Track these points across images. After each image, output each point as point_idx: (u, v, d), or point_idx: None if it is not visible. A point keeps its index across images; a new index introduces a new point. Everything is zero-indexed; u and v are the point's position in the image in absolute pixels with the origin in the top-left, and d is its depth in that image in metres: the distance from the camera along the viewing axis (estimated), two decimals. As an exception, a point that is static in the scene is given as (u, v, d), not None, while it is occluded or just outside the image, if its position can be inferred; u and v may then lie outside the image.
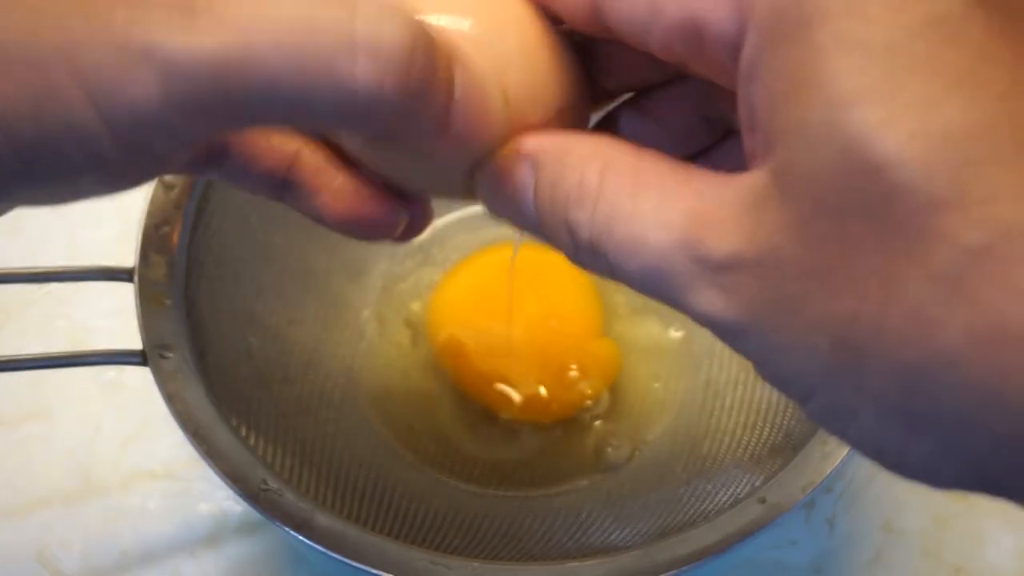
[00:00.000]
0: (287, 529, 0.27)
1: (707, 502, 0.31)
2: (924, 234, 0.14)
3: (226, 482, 0.28)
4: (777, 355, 0.16)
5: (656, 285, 0.17)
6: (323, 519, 0.28)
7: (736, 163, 0.18)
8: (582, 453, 0.37)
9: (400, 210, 0.22)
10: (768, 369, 0.16)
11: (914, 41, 0.14)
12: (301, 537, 0.27)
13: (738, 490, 0.31)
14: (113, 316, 0.42)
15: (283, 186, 0.22)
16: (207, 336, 0.33)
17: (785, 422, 0.33)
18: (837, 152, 0.14)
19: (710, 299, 0.16)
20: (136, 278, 0.32)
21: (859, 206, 0.14)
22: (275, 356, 0.36)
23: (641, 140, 0.19)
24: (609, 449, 0.37)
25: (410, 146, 0.19)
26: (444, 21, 0.19)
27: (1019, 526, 0.38)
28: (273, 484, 0.28)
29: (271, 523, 0.28)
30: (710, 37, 0.17)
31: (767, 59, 0.15)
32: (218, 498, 0.38)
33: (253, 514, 0.37)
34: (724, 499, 0.31)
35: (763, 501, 0.28)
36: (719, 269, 0.16)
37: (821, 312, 0.15)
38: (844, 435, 0.16)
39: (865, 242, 0.14)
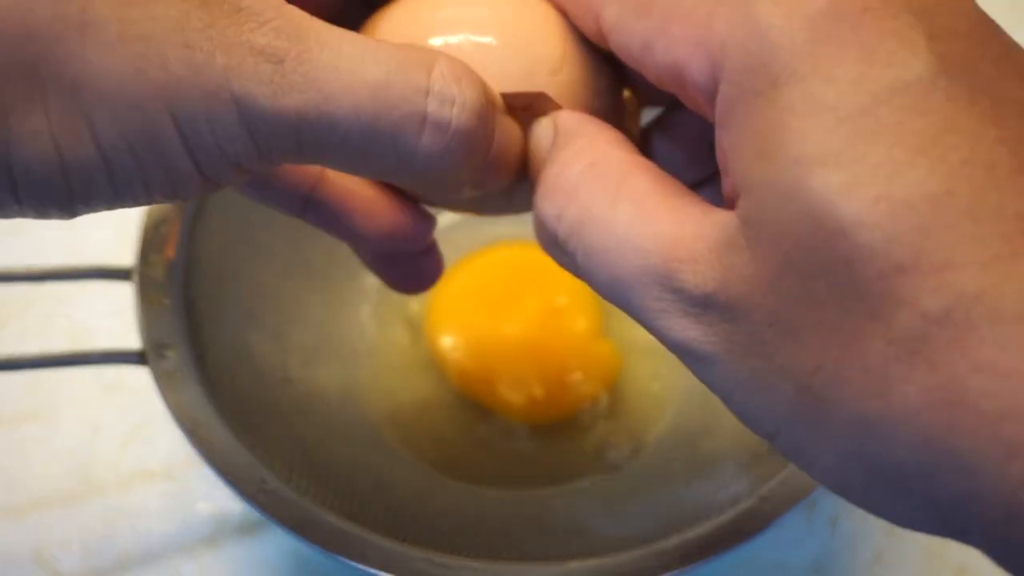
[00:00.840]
0: (287, 529, 0.27)
1: (707, 502, 0.31)
2: (885, 298, 0.14)
3: (226, 482, 0.28)
4: (744, 393, 0.16)
5: (625, 301, 0.17)
6: (323, 519, 0.28)
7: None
8: (582, 453, 0.37)
9: (430, 217, 0.23)
10: (734, 404, 0.17)
11: (879, 107, 0.14)
12: (301, 537, 0.27)
13: (738, 490, 0.31)
14: (113, 316, 0.42)
15: (305, 202, 0.23)
16: (206, 336, 0.33)
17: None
18: (801, 212, 0.14)
19: (684, 327, 0.16)
20: (135, 278, 0.32)
21: (822, 266, 0.14)
22: (275, 356, 0.36)
23: (662, 158, 0.20)
24: (609, 449, 0.37)
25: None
26: (479, 34, 0.20)
27: (1021, 526, 0.38)
28: (272, 484, 0.28)
29: (271, 523, 0.28)
30: (690, 83, 0.17)
31: (737, 112, 0.16)
32: (218, 498, 0.38)
33: (253, 514, 0.37)
34: (724, 499, 0.31)
35: (764, 501, 0.28)
36: (694, 304, 0.16)
37: (787, 360, 0.15)
38: (810, 472, 0.16)
39: (828, 301, 0.15)
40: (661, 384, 0.39)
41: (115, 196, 0.17)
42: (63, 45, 0.15)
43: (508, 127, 0.20)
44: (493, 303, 0.40)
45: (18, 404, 0.40)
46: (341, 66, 0.17)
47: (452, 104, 0.18)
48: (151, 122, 0.16)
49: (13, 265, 0.32)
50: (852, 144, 0.14)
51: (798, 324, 0.15)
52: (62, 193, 0.17)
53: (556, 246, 0.18)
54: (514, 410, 0.38)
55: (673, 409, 0.38)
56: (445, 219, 0.43)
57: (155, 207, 0.33)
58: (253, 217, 0.37)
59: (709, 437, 0.36)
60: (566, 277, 0.19)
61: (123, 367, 0.31)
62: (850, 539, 0.37)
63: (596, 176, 0.18)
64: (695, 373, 0.17)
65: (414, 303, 0.41)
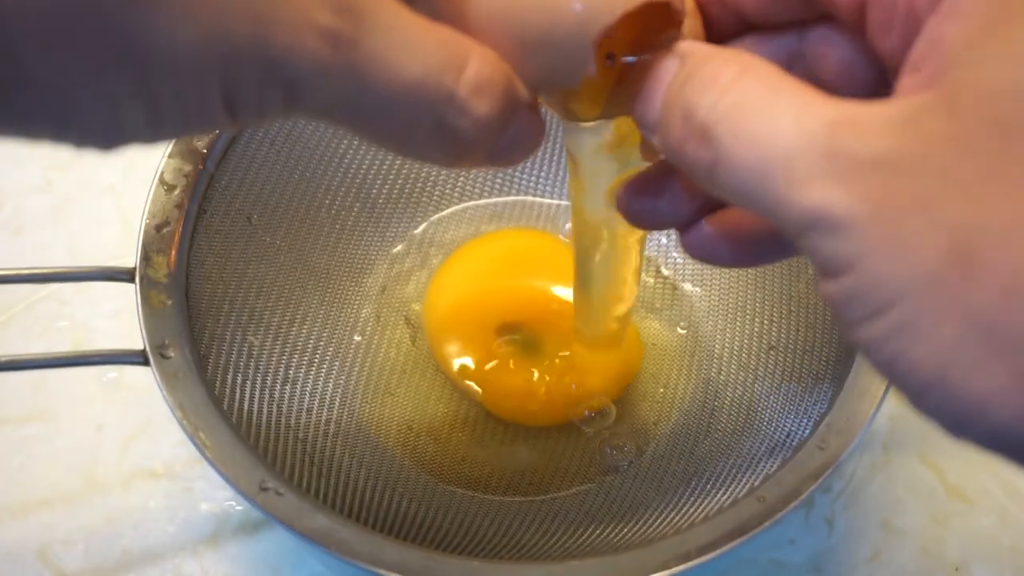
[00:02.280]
0: (287, 528, 0.28)
1: (707, 502, 0.31)
2: None
3: (227, 481, 0.28)
4: (880, 255, 0.16)
5: (761, 178, 0.17)
6: (323, 518, 0.28)
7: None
8: (585, 456, 0.37)
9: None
10: (858, 270, 0.16)
11: None
12: (301, 536, 0.27)
13: (737, 490, 0.31)
14: (115, 316, 0.42)
15: None
16: (208, 336, 0.33)
17: (784, 422, 0.33)
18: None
19: (825, 192, 0.16)
20: (137, 278, 0.32)
21: None
22: (276, 356, 0.36)
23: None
24: (612, 451, 0.37)
25: None
26: None
27: (1017, 525, 0.38)
28: (273, 484, 0.28)
29: (271, 522, 0.28)
30: None
31: (978, 7, 0.16)
32: (219, 497, 0.38)
33: (254, 513, 0.37)
34: (724, 499, 0.31)
35: (762, 500, 0.28)
36: (853, 166, 0.16)
37: (951, 215, 0.15)
38: (905, 355, 0.16)
39: (1018, 165, 0.15)
40: (663, 384, 0.39)
41: (152, 137, 0.18)
42: (135, 10, 0.16)
43: (527, 122, 0.21)
44: (490, 295, 0.40)
45: (21, 404, 0.40)
46: (388, 58, 0.18)
47: (468, 116, 0.19)
48: (205, 87, 0.17)
49: (16, 266, 0.32)
50: None
51: (979, 180, 0.15)
52: (107, 132, 0.17)
53: (697, 136, 0.18)
54: (520, 414, 0.38)
55: (674, 410, 0.38)
56: (440, 214, 0.43)
57: (156, 207, 0.33)
58: (255, 218, 0.37)
59: (709, 437, 0.36)
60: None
61: (125, 367, 0.32)
62: (847, 538, 0.37)
63: (753, 75, 0.18)
64: (816, 244, 0.17)
65: (414, 303, 0.41)
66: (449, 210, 0.43)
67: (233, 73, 0.17)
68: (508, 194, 0.44)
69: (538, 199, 0.44)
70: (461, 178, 0.43)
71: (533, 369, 0.38)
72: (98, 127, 0.17)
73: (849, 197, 0.16)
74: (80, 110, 0.16)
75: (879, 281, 0.16)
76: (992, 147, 0.15)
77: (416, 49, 0.18)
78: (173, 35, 0.16)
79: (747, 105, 0.18)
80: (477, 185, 0.43)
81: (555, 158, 0.43)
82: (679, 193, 0.23)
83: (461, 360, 0.38)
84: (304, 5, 0.17)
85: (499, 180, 0.44)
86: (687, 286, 0.41)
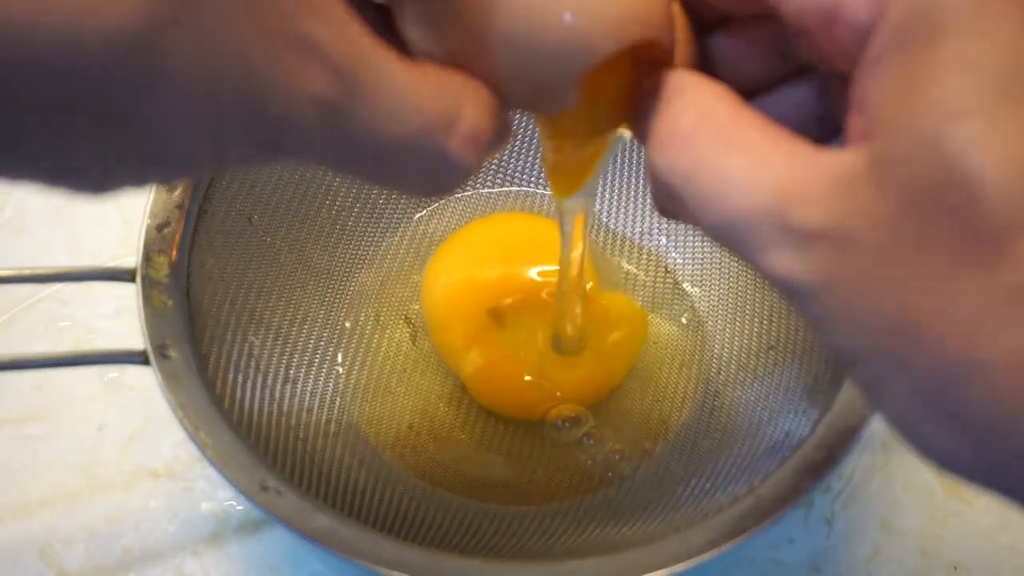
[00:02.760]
0: (288, 527, 0.28)
1: (707, 502, 0.31)
2: (996, 252, 0.15)
3: (227, 481, 0.28)
4: (836, 323, 0.17)
5: (731, 240, 0.18)
6: (323, 518, 0.28)
7: (800, 104, 0.21)
8: (585, 472, 0.37)
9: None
10: (823, 333, 0.17)
11: None
12: (301, 536, 0.27)
13: (737, 489, 0.31)
14: (116, 316, 0.42)
15: None
16: (209, 336, 0.33)
17: (783, 421, 0.33)
18: (935, 158, 0.15)
19: (786, 262, 0.17)
20: (138, 278, 0.32)
21: (945, 212, 0.15)
22: (276, 356, 0.36)
23: (723, 57, 0.21)
24: (616, 457, 0.36)
25: None
26: None
27: (1016, 525, 0.38)
28: (274, 483, 0.28)
29: (272, 522, 0.28)
30: (844, 20, 0.18)
31: (892, 56, 0.16)
32: (220, 497, 0.38)
33: (254, 513, 0.37)
34: (723, 499, 0.31)
35: (762, 500, 0.29)
36: (802, 238, 0.17)
37: (886, 297, 0.16)
38: (880, 407, 0.17)
39: (942, 245, 0.15)
40: (665, 388, 0.39)
41: (139, 185, 0.18)
42: (137, 89, 0.15)
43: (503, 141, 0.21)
44: (489, 277, 0.40)
45: (23, 404, 0.40)
46: (382, 120, 0.18)
47: (458, 168, 0.19)
48: (196, 147, 0.17)
49: (19, 266, 0.32)
50: (996, 104, 0.15)
51: (906, 264, 0.16)
52: (98, 186, 0.17)
53: (668, 196, 0.19)
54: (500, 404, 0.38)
55: (677, 412, 0.38)
56: (431, 208, 0.43)
57: (157, 207, 0.33)
58: (255, 218, 0.37)
59: (709, 437, 0.36)
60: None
61: (126, 367, 0.32)
62: (846, 537, 0.37)
63: (706, 129, 0.19)
64: (794, 306, 0.18)
65: (414, 302, 0.41)
66: (449, 210, 0.43)
67: (225, 136, 0.17)
68: (508, 185, 0.44)
69: (539, 191, 0.44)
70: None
71: (519, 361, 0.38)
72: (90, 181, 0.17)
73: (803, 268, 0.17)
74: (74, 168, 0.16)
75: (841, 343, 0.17)
76: (912, 232, 0.16)
77: (410, 109, 0.18)
78: (169, 109, 0.16)
79: (702, 169, 0.18)
80: (477, 185, 0.44)
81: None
82: None
83: (452, 341, 0.38)
84: (300, 75, 0.16)
85: (499, 177, 0.44)
86: (687, 286, 0.41)
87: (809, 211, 0.17)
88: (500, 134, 0.21)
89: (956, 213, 0.15)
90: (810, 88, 0.22)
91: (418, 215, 0.43)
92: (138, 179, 0.17)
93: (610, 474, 0.36)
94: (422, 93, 0.18)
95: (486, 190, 0.44)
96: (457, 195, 0.43)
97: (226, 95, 0.16)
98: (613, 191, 0.43)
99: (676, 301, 0.41)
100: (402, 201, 0.43)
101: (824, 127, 0.22)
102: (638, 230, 0.43)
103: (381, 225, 0.42)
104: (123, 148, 0.16)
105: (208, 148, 0.17)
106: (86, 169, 0.16)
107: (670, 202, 0.19)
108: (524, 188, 0.44)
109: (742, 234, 0.18)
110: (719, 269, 0.41)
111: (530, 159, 0.44)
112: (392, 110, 0.18)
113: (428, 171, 0.19)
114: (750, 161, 0.18)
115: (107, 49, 0.14)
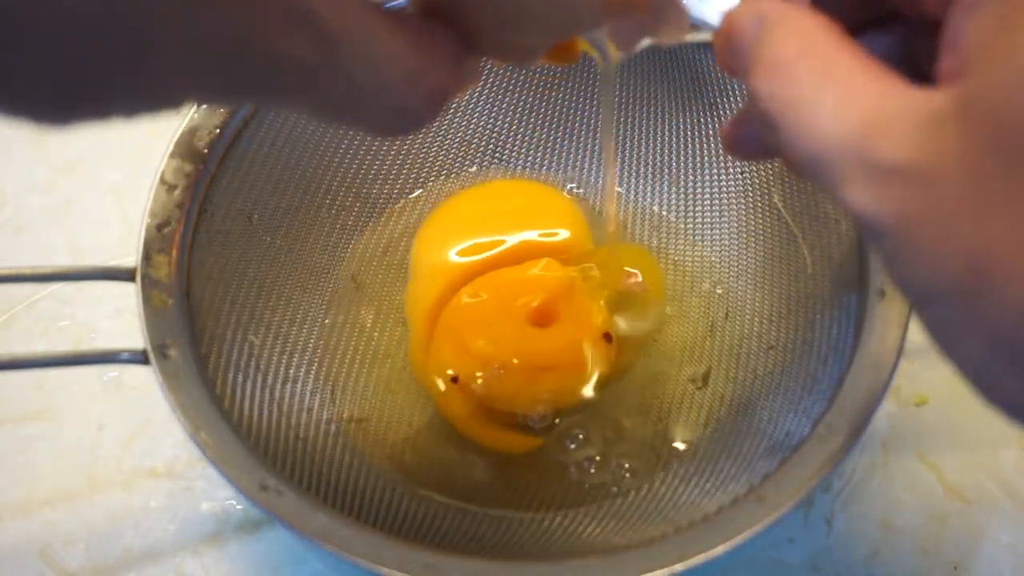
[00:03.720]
0: (288, 527, 0.28)
1: (707, 502, 0.31)
2: None
3: (227, 481, 0.28)
4: (909, 261, 0.17)
5: (816, 171, 0.18)
6: (323, 518, 0.28)
7: (883, 50, 0.21)
8: (588, 476, 0.36)
9: None
10: (896, 271, 0.17)
11: None
12: (301, 535, 0.28)
13: (738, 489, 0.31)
14: (116, 316, 0.42)
15: None
16: (209, 336, 0.33)
17: (783, 421, 0.33)
18: None
19: (864, 197, 0.17)
20: (138, 278, 0.32)
21: None
22: (276, 355, 0.36)
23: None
24: (618, 468, 0.36)
25: None
26: None
27: (1017, 524, 0.38)
28: (274, 483, 0.28)
29: (272, 521, 0.28)
30: None
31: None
32: (220, 497, 0.38)
33: (254, 512, 0.37)
34: (724, 499, 0.31)
35: (762, 500, 0.29)
36: (884, 173, 0.17)
37: (964, 235, 0.16)
38: (948, 351, 0.17)
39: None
40: (665, 388, 0.38)
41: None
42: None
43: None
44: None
45: (23, 403, 0.40)
46: (355, 77, 0.19)
47: (419, 119, 0.22)
48: (176, 83, 0.17)
49: (18, 266, 0.32)
50: None
51: (988, 204, 0.16)
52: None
53: (763, 121, 0.20)
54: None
55: (677, 412, 0.38)
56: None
57: (157, 207, 0.33)
58: (255, 218, 0.37)
59: (709, 436, 0.36)
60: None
61: (126, 367, 0.32)
62: (846, 537, 0.37)
63: (807, 58, 0.19)
64: (870, 241, 0.18)
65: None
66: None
67: (204, 81, 0.17)
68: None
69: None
70: (463, 177, 0.43)
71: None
72: (53, 110, 0.17)
73: (880, 204, 0.17)
74: (44, 94, 0.16)
75: (912, 281, 0.17)
76: (998, 170, 0.15)
77: (383, 68, 0.20)
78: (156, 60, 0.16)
79: (799, 99, 0.18)
80: (477, 184, 0.44)
81: (555, 143, 0.43)
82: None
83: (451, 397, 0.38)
84: (283, 39, 0.17)
85: (500, 173, 0.44)
86: (687, 285, 0.41)
87: (893, 146, 0.17)
88: (466, 81, 0.23)
89: None
90: (893, 35, 0.22)
91: (420, 220, 0.43)
92: (102, 111, 0.17)
93: (615, 488, 0.36)
94: (397, 54, 0.20)
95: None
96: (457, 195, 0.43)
97: (214, 46, 0.17)
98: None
99: (676, 301, 0.41)
100: (402, 201, 0.43)
101: (906, 75, 0.22)
102: (638, 230, 0.43)
103: (381, 225, 0.42)
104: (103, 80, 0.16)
105: (186, 92, 0.17)
106: (58, 95, 0.16)
107: (768, 131, 0.19)
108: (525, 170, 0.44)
109: (827, 166, 0.18)
110: (718, 268, 0.41)
111: (533, 156, 0.44)
112: (368, 74, 0.19)
113: (389, 119, 0.21)
114: (844, 92, 0.18)
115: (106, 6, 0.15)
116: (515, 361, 0.36)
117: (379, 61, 0.20)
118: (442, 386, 0.37)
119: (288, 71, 0.18)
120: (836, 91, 0.18)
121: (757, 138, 0.26)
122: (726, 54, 0.22)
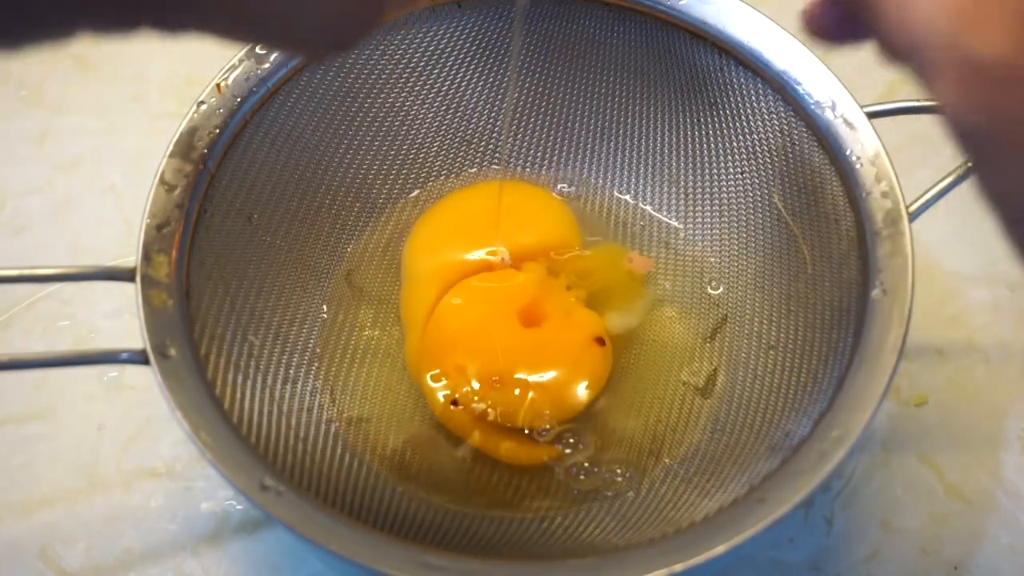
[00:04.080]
0: (287, 527, 0.28)
1: (707, 502, 0.31)
2: None
3: (227, 481, 0.28)
4: (1000, 164, 0.16)
5: (912, 61, 0.18)
6: (323, 518, 0.28)
7: None
8: (586, 477, 0.36)
9: None
10: (988, 180, 0.17)
11: None
12: (301, 535, 0.28)
13: (738, 489, 0.31)
14: (115, 316, 0.42)
15: None
16: (208, 336, 0.33)
17: (783, 421, 0.33)
18: None
19: (949, 90, 0.17)
20: (138, 278, 0.32)
21: None
22: (276, 356, 0.36)
23: None
24: (613, 474, 0.36)
25: None
26: None
27: (1016, 524, 0.38)
28: (273, 483, 0.28)
29: (272, 521, 0.28)
30: None
31: None
32: (219, 497, 0.38)
33: (254, 512, 0.37)
34: (724, 499, 0.31)
35: (762, 500, 0.29)
36: (977, 69, 0.16)
37: None
38: None
39: None
40: (665, 388, 0.38)
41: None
42: None
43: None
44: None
45: (23, 404, 0.40)
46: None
47: (350, 26, 0.20)
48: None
49: (18, 266, 0.32)
50: None
51: None
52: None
53: (864, 2, 0.19)
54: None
55: (677, 412, 0.38)
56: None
57: (157, 207, 0.33)
58: (255, 218, 0.37)
59: (709, 437, 0.36)
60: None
61: (126, 367, 0.32)
62: (846, 537, 0.37)
63: None
64: (959, 141, 0.17)
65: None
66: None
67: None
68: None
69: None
70: (462, 178, 0.43)
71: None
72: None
73: (969, 101, 0.16)
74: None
75: (1007, 186, 0.16)
76: None
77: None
78: None
79: None
80: (478, 184, 0.44)
81: (548, 142, 0.43)
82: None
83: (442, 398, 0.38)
84: None
85: (499, 173, 0.44)
86: (686, 286, 0.41)
87: (984, 38, 0.16)
88: None
89: None
90: None
91: (418, 216, 0.43)
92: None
93: (610, 493, 0.36)
94: None
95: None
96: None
97: None
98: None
99: (677, 300, 0.41)
100: (401, 201, 0.43)
101: None
102: (638, 230, 0.43)
103: (380, 225, 0.42)
104: None
105: (75, 13, 0.17)
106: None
107: (863, 10, 0.19)
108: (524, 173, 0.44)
109: (917, 54, 0.17)
110: (718, 267, 0.41)
111: (531, 154, 0.44)
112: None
113: (315, 30, 0.19)
114: None
115: None
116: (510, 366, 0.36)
117: None
118: (441, 398, 0.37)
119: None
120: None
121: (841, 18, 0.24)
122: None
